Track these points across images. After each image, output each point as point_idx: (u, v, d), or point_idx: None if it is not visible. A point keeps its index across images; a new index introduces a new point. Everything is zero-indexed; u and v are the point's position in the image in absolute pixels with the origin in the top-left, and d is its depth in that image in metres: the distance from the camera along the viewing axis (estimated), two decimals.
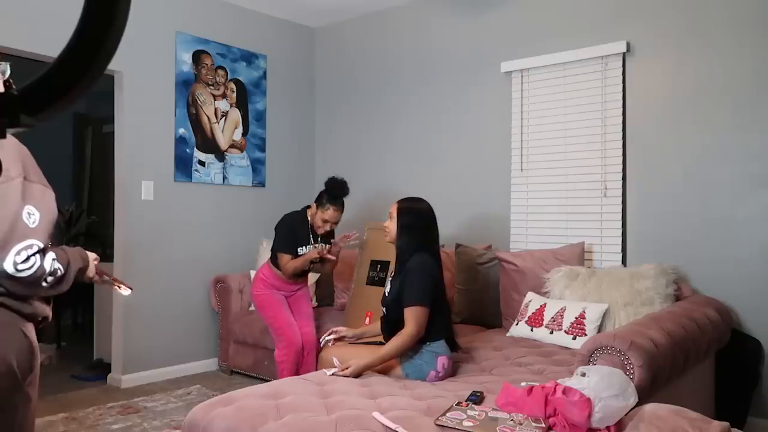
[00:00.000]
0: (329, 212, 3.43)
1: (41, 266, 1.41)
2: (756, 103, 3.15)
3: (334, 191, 3.45)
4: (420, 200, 2.73)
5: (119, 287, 1.92)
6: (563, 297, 3.25)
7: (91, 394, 3.85)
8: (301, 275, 3.63)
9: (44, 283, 1.44)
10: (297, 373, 3.38)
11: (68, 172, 6.88)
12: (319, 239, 3.56)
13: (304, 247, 3.51)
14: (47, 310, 1.58)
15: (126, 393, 3.86)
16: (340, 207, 3.46)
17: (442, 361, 2.48)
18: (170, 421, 3.32)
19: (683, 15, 3.37)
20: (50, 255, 1.45)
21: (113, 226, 4.16)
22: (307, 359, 3.57)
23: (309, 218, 3.53)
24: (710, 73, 3.29)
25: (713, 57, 3.28)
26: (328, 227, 3.50)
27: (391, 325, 2.54)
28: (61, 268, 1.48)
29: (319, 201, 3.48)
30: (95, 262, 1.76)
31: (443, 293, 2.64)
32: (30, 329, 1.51)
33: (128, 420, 3.34)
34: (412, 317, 2.43)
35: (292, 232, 3.51)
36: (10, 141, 1.45)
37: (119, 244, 4.08)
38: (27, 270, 1.39)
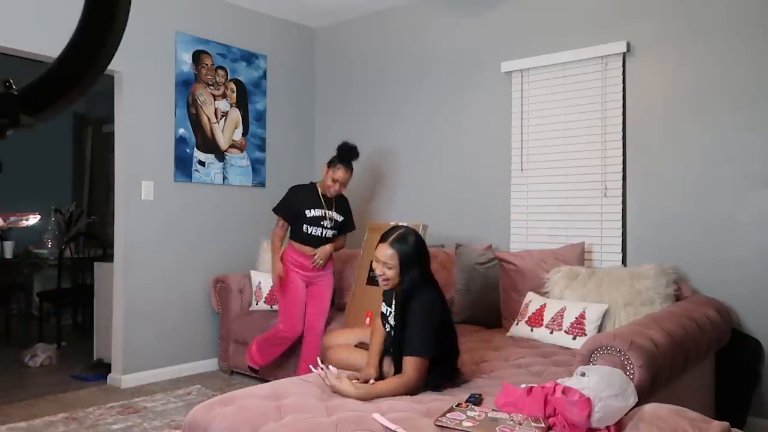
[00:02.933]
0: (339, 172, 3.65)
1: None
2: (756, 103, 3.15)
3: (345, 153, 3.71)
4: (406, 232, 2.44)
5: None
6: (563, 297, 3.25)
7: (91, 394, 3.85)
8: (317, 245, 3.72)
9: None
10: (273, 356, 3.77)
11: (68, 172, 6.88)
12: (333, 206, 3.74)
13: (312, 210, 3.68)
14: None
15: (126, 393, 3.86)
16: (349, 168, 3.69)
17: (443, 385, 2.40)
18: (170, 421, 3.32)
19: (683, 15, 3.37)
20: None
21: (113, 226, 4.16)
22: (308, 346, 3.71)
23: (318, 187, 3.75)
24: (710, 73, 3.29)
25: (713, 57, 3.28)
26: (337, 187, 3.67)
27: (394, 360, 2.39)
28: None
29: (331, 162, 3.71)
30: None
31: (449, 328, 2.45)
32: None
33: (128, 420, 3.34)
34: (412, 368, 2.26)
35: (293, 197, 3.75)
36: None
37: (119, 244, 4.08)
38: None
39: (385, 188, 4.71)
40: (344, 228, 3.86)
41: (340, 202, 3.81)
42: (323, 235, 3.71)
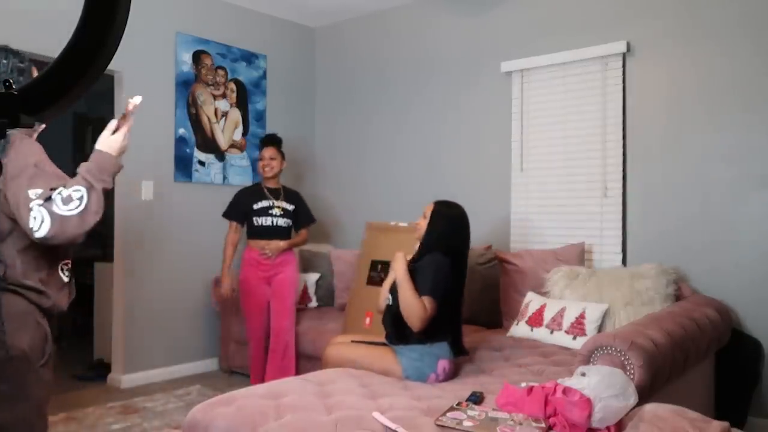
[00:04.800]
0: (264, 150, 3.87)
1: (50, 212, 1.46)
2: (756, 103, 3.15)
3: (264, 137, 4.04)
4: (456, 206, 2.76)
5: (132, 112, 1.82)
6: (563, 297, 3.25)
7: (91, 394, 3.85)
8: (274, 238, 3.76)
9: (68, 212, 1.47)
10: (263, 373, 3.76)
11: (68, 172, 6.87)
12: (281, 197, 3.85)
13: (259, 202, 3.78)
14: (65, 305, 1.74)
15: (126, 393, 3.86)
16: (272, 147, 3.88)
17: (442, 365, 2.48)
18: (170, 421, 3.32)
19: (683, 15, 3.37)
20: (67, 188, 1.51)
21: (113, 226, 4.16)
22: (278, 361, 3.71)
23: (263, 184, 3.87)
24: (710, 73, 3.29)
25: (713, 57, 3.28)
26: (271, 164, 3.83)
27: (394, 315, 2.53)
28: (78, 188, 1.52)
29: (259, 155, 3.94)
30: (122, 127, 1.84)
31: (456, 296, 2.66)
32: (44, 320, 1.68)
33: (128, 420, 3.34)
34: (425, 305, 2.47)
35: (238, 199, 3.85)
36: None
37: (119, 244, 4.08)
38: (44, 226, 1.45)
39: (385, 188, 4.71)
40: (300, 219, 3.90)
41: (289, 194, 3.92)
42: (274, 224, 3.77)
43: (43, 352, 1.69)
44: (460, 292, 2.69)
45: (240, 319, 4.24)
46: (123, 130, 1.75)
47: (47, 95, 0.69)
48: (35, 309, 1.62)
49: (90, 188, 1.53)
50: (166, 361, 4.24)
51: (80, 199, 1.49)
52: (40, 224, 1.44)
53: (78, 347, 5.00)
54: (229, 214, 3.84)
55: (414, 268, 2.59)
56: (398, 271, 2.54)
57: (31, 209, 1.45)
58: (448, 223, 2.69)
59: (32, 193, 1.47)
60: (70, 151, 6.89)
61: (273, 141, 3.92)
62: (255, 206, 3.76)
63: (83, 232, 1.50)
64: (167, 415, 3.42)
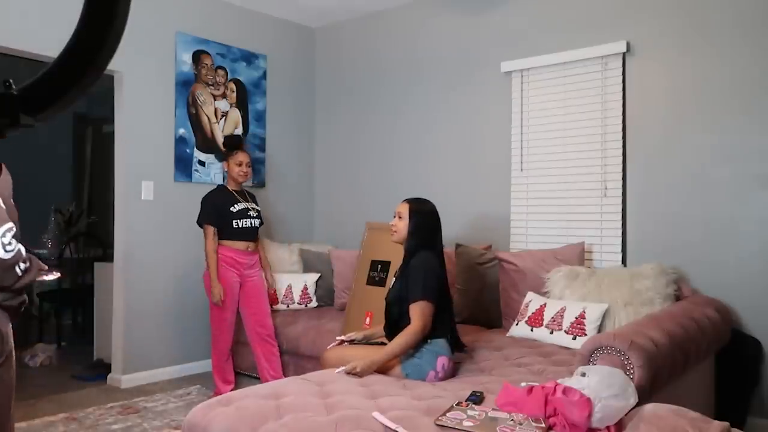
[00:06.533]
0: (239, 155, 3.77)
1: (19, 250, 1.35)
2: (756, 103, 3.15)
3: (233, 141, 4.00)
4: (427, 201, 2.77)
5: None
6: (563, 297, 3.25)
7: (91, 394, 3.85)
8: (253, 239, 3.81)
9: (18, 269, 1.36)
10: (227, 374, 3.82)
11: (68, 172, 6.88)
12: (248, 199, 3.85)
13: (235, 205, 3.74)
14: (22, 295, 1.48)
15: (126, 393, 3.86)
16: (243, 151, 3.83)
17: (442, 362, 2.48)
18: (170, 421, 3.32)
19: (683, 15, 3.37)
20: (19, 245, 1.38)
21: (113, 226, 4.15)
22: (266, 349, 3.81)
23: (228, 186, 3.83)
24: (710, 73, 3.29)
25: (713, 57, 3.28)
26: (245, 168, 3.78)
27: (392, 322, 2.55)
28: (26, 259, 1.40)
29: (227, 156, 3.85)
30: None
31: (447, 292, 2.66)
32: (1, 318, 1.46)
33: (128, 420, 3.34)
34: (418, 312, 2.46)
35: (212, 201, 3.76)
36: None
37: (119, 244, 4.08)
38: (11, 252, 1.32)
39: (385, 188, 4.71)
40: (261, 218, 3.94)
41: (251, 195, 3.95)
42: (253, 225, 3.80)
43: (1, 352, 1.47)
44: (449, 287, 2.70)
45: (240, 319, 4.24)
46: None
47: (47, 95, 0.69)
48: None
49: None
50: (166, 361, 4.24)
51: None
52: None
53: (78, 347, 5.00)
54: (206, 219, 3.70)
55: (404, 271, 2.59)
56: (376, 359, 2.42)
57: (11, 228, 1.33)
58: (431, 219, 2.69)
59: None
60: (70, 151, 6.90)
61: (242, 144, 3.98)
62: (233, 209, 3.73)
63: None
64: (167, 415, 3.42)
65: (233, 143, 3.94)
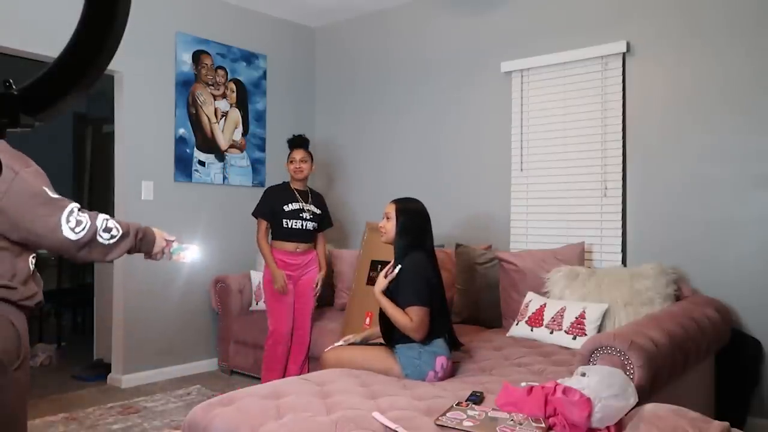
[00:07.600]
0: (293, 152, 3.81)
1: (92, 223, 1.55)
2: (756, 104, 3.15)
3: (291, 140, 3.92)
4: (415, 200, 2.75)
5: (184, 259, 1.97)
6: (563, 297, 3.25)
7: (91, 394, 3.85)
8: (304, 241, 3.77)
9: (100, 238, 1.56)
10: (283, 372, 3.67)
11: (68, 172, 6.88)
12: (309, 200, 3.82)
13: (290, 204, 3.73)
14: (39, 295, 1.61)
15: (126, 393, 3.86)
16: (301, 149, 3.83)
17: (440, 362, 2.48)
18: (170, 421, 3.32)
19: (683, 15, 3.37)
20: (101, 215, 1.59)
21: None
22: (302, 357, 3.73)
23: (291, 184, 3.83)
24: (710, 73, 3.29)
25: (713, 57, 3.28)
26: (302, 167, 3.78)
27: (387, 323, 2.55)
28: (118, 228, 1.62)
29: (288, 157, 3.86)
30: (164, 244, 1.99)
31: (440, 292, 2.64)
32: (19, 318, 1.55)
33: (128, 420, 3.34)
34: (414, 316, 2.45)
35: (269, 196, 3.79)
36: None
37: None
38: (82, 231, 1.52)
39: (385, 188, 4.71)
40: (323, 222, 3.91)
41: (315, 196, 3.90)
42: (304, 227, 3.75)
43: (18, 354, 1.52)
44: (442, 286, 2.69)
45: (240, 319, 4.25)
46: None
47: (47, 95, 0.69)
48: (5, 306, 1.50)
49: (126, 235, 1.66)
50: (166, 361, 4.23)
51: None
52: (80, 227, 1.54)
53: (78, 347, 5.00)
54: (262, 213, 3.75)
55: (397, 275, 2.58)
56: (375, 293, 2.55)
57: (72, 211, 1.52)
58: (418, 218, 2.67)
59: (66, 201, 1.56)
60: (71, 151, 6.90)
61: (303, 143, 3.86)
62: (286, 208, 3.71)
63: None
64: (167, 415, 3.42)
65: (290, 141, 3.92)
